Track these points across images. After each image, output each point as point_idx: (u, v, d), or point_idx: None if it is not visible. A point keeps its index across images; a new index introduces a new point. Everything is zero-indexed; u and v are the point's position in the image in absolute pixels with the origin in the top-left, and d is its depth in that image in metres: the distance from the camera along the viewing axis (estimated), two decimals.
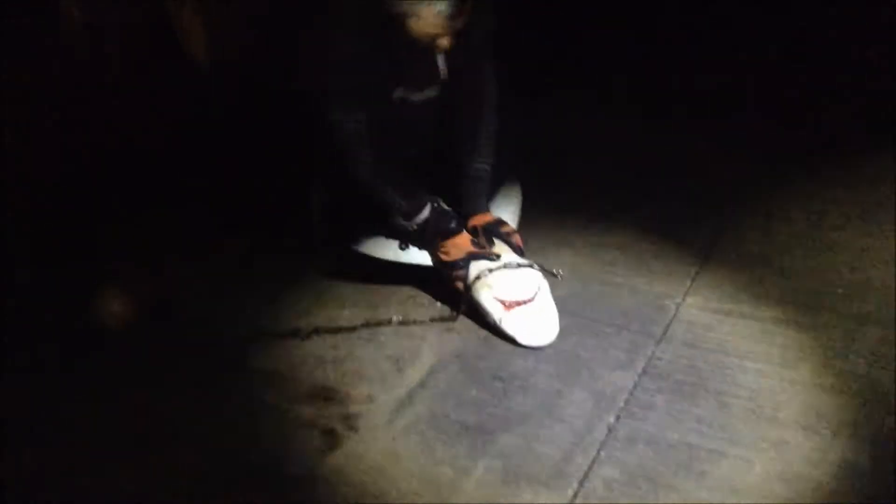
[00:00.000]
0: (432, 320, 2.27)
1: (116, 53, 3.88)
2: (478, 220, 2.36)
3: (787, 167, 3.02)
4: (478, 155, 2.39)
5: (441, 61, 2.23)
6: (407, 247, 2.35)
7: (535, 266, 2.25)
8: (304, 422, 1.91)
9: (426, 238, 2.31)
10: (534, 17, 3.80)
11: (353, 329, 2.23)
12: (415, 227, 2.30)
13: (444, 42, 2.12)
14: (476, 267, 2.23)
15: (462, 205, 2.40)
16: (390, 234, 2.37)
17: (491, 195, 2.50)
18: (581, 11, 4.12)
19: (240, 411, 1.96)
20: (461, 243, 2.28)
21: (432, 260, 2.32)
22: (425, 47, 2.14)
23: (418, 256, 2.35)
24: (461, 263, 2.24)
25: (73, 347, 2.18)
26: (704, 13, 4.15)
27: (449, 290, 2.30)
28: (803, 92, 3.62)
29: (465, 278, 2.24)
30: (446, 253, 2.27)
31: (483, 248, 2.27)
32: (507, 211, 2.50)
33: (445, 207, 2.35)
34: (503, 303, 2.15)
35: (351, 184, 2.26)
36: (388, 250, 2.36)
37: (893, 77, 3.55)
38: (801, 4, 3.99)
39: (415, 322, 2.26)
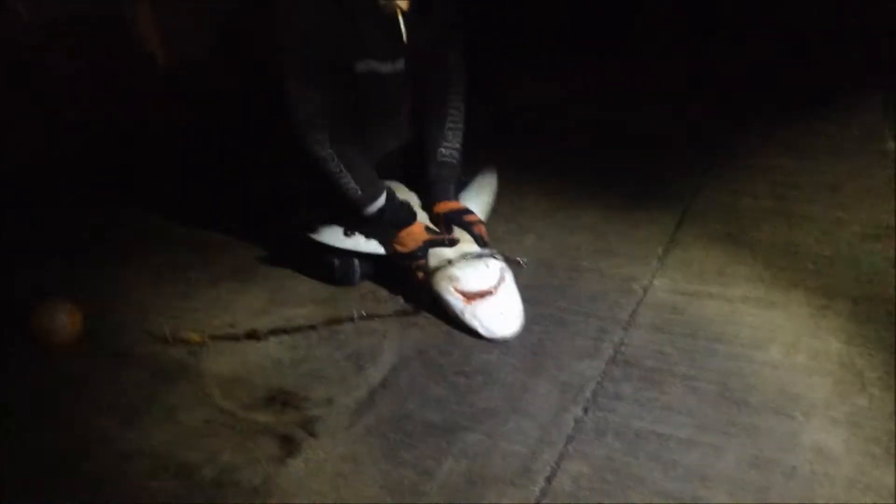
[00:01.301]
0: (395, 314, 2.20)
1: (65, 50, 3.79)
2: (441, 207, 2.30)
3: (754, 142, 2.98)
4: (444, 140, 2.35)
5: (402, 24, 2.17)
6: (352, 234, 2.28)
7: (498, 255, 2.18)
8: (262, 428, 1.84)
9: (380, 228, 2.24)
10: None
11: (311, 328, 2.16)
12: (369, 214, 2.22)
13: (403, 2, 2.09)
14: (435, 258, 2.16)
15: (428, 191, 2.35)
16: (342, 220, 2.30)
17: (465, 184, 2.45)
18: None
19: (194, 419, 1.88)
20: (416, 232, 2.21)
21: (387, 251, 2.25)
22: (385, 11, 2.12)
23: (366, 244, 2.28)
24: (419, 254, 2.18)
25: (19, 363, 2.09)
26: None
27: (410, 283, 2.23)
28: (769, 63, 3.58)
29: (426, 268, 2.17)
30: (402, 244, 2.20)
31: (439, 234, 2.21)
32: (478, 201, 2.44)
33: (400, 198, 2.28)
34: (464, 294, 2.08)
35: (308, 167, 2.20)
36: (339, 238, 2.28)
37: (865, 44, 3.51)
38: None
39: (375, 317, 2.19)
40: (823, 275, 2.23)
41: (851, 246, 2.34)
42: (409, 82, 2.33)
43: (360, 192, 2.21)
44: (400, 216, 2.24)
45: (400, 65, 2.27)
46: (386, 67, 2.26)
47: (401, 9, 2.14)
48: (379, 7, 2.14)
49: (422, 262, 2.19)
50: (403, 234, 2.21)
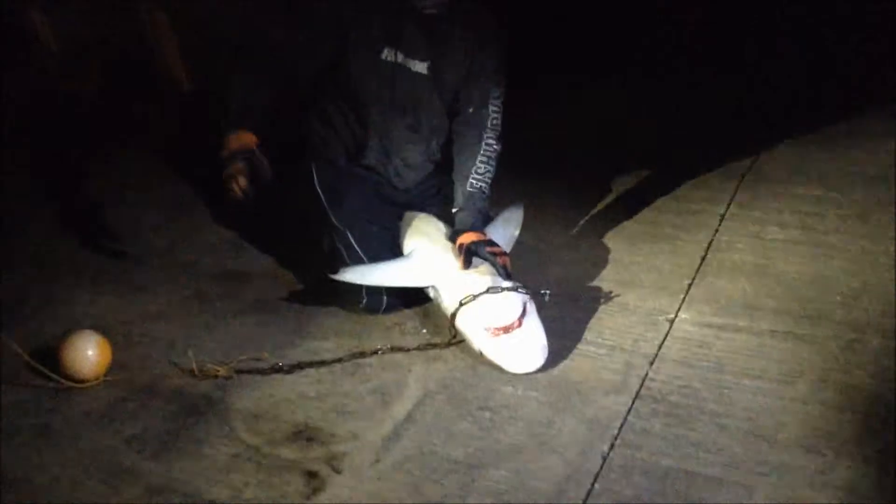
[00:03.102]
0: (420, 347, 2.20)
1: (91, 73, 3.85)
2: (465, 238, 2.29)
3: (781, 169, 2.96)
4: (476, 171, 2.36)
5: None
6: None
7: (521, 288, 2.17)
8: (286, 464, 1.84)
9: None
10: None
11: (337, 361, 2.16)
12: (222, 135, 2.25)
13: None
14: (460, 293, 2.16)
15: (454, 221, 2.36)
16: (371, 257, 2.34)
17: (491, 218, 2.46)
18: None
19: (220, 454, 1.88)
20: (244, 140, 2.23)
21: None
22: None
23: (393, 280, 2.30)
24: (236, 159, 2.21)
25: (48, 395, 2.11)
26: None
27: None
28: (797, 91, 3.56)
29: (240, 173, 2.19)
30: (226, 146, 2.23)
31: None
32: (503, 233, 2.44)
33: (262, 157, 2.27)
34: (488, 328, 2.07)
35: (225, 82, 2.30)
36: (367, 275, 2.30)
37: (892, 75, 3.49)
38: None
39: (401, 351, 2.19)
40: (852, 307, 2.21)
41: (880, 277, 2.31)
42: (439, 89, 2.37)
43: (232, 116, 2.26)
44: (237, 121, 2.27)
45: (423, 66, 2.32)
46: (414, 65, 2.31)
47: None
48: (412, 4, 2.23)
49: (238, 166, 2.20)
50: (233, 136, 2.23)
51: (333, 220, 2.39)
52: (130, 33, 3.84)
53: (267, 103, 2.31)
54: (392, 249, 2.39)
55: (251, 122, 2.27)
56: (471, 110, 2.39)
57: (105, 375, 2.13)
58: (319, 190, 2.44)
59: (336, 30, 2.30)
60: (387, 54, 2.29)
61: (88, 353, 2.11)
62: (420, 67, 2.31)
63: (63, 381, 2.10)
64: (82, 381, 2.10)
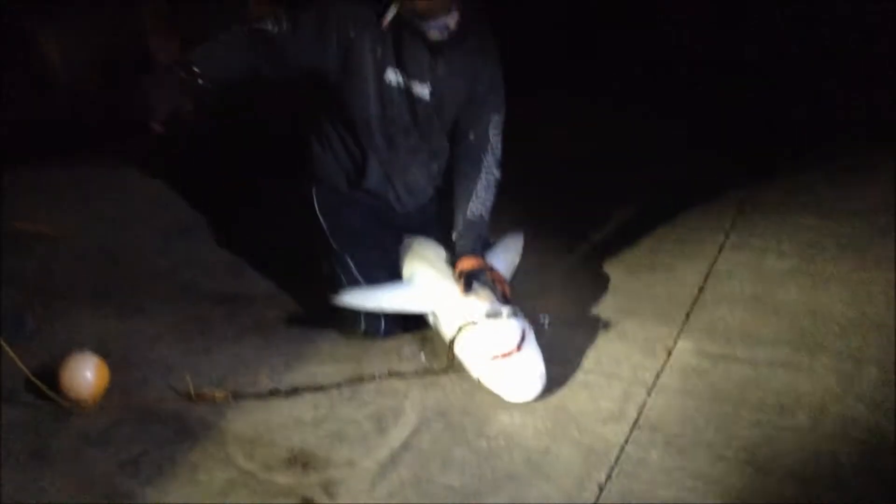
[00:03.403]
0: (417, 373, 2.20)
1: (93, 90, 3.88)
2: (465, 264, 2.30)
3: (780, 200, 2.97)
4: (475, 198, 2.37)
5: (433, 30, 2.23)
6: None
7: (520, 314, 2.17)
8: (282, 490, 1.83)
9: None
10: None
11: (334, 386, 2.16)
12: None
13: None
14: (459, 319, 2.16)
15: (455, 247, 2.37)
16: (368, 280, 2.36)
17: (491, 245, 2.48)
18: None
19: (215, 479, 1.88)
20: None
21: None
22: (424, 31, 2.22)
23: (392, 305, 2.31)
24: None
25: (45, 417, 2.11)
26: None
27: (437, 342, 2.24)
28: (797, 119, 3.58)
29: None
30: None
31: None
32: (503, 260, 2.44)
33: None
34: (487, 356, 2.07)
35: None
36: (367, 299, 2.31)
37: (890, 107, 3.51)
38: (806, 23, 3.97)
39: (398, 376, 2.19)
40: (850, 338, 2.21)
41: (878, 308, 2.31)
42: (440, 113, 2.37)
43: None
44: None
45: (425, 90, 2.32)
46: (416, 88, 2.32)
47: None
48: (421, 29, 2.23)
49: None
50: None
51: (333, 244, 2.40)
52: (133, 43, 3.88)
53: (237, 69, 2.32)
54: (392, 274, 2.39)
55: (211, 70, 2.28)
56: (471, 137, 2.40)
57: (103, 398, 2.13)
58: (319, 214, 2.45)
59: (337, 40, 2.27)
60: (389, 76, 2.30)
61: (86, 375, 2.11)
62: (422, 91, 2.32)
63: (63, 401, 2.09)
64: (80, 403, 2.10)
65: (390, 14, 2.20)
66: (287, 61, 2.28)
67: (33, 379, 2.12)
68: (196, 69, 2.24)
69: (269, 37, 2.25)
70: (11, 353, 2.12)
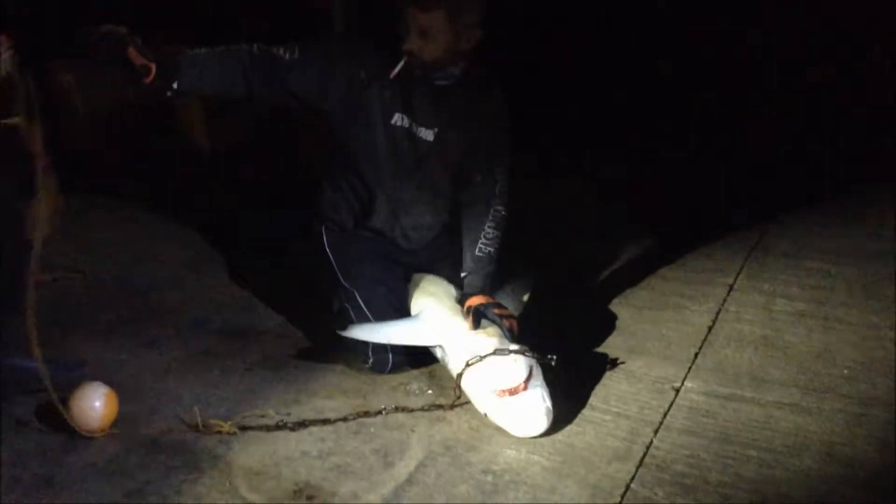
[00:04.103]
0: (424, 408, 2.20)
1: (116, 139, 3.96)
2: (473, 301, 2.31)
3: (789, 242, 2.98)
4: (484, 237, 2.40)
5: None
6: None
7: (528, 352, 2.18)
8: None
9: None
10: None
11: (341, 420, 2.16)
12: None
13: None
14: (467, 354, 2.17)
15: (463, 285, 2.38)
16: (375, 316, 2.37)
17: (500, 283, 2.49)
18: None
19: None
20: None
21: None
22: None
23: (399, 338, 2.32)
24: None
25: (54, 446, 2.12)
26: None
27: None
28: (806, 164, 3.61)
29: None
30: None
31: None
32: (512, 298, 2.46)
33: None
34: (494, 391, 2.08)
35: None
36: (374, 333, 2.33)
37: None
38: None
39: (405, 411, 2.19)
40: (859, 381, 2.20)
41: (887, 351, 2.31)
42: (443, 156, 2.40)
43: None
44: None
45: (430, 134, 2.36)
46: (421, 132, 2.36)
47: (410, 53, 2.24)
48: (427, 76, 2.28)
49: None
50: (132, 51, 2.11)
51: (342, 280, 2.42)
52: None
53: (228, 75, 2.26)
54: (399, 311, 2.41)
55: (194, 74, 2.21)
56: (478, 179, 2.43)
57: (111, 428, 2.14)
58: (329, 252, 2.48)
59: (346, 78, 2.31)
60: (397, 119, 2.35)
61: (95, 405, 2.12)
62: (427, 135, 2.36)
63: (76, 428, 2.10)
64: (88, 432, 2.11)
65: (399, 67, 2.25)
66: (288, 86, 2.29)
67: (59, 405, 2.12)
68: (179, 69, 2.18)
69: (275, 57, 2.27)
70: (48, 383, 2.13)
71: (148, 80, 2.13)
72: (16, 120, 2.07)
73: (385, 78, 2.29)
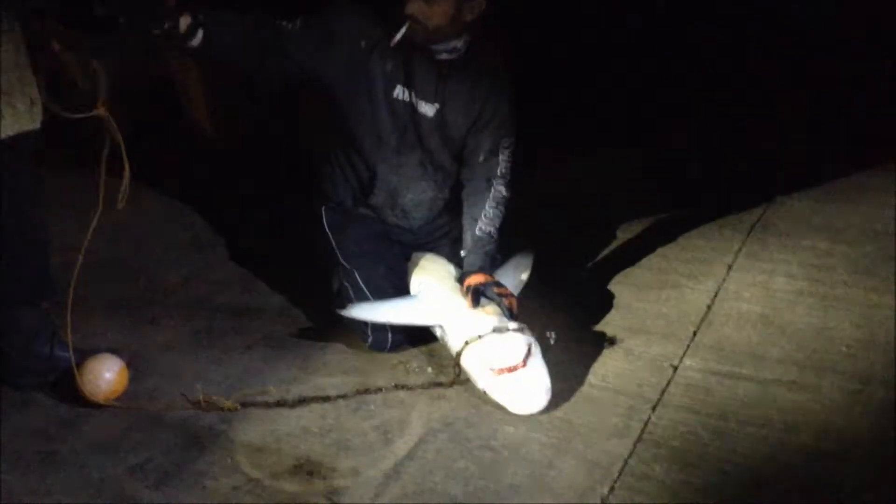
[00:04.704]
0: (424, 386, 2.21)
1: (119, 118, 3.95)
2: (472, 280, 2.32)
3: (789, 222, 2.98)
4: (484, 216, 2.40)
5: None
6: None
7: (526, 330, 2.19)
8: (287, 498, 1.85)
9: None
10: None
11: (341, 397, 2.18)
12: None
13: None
14: (466, 332, 2.18)
15: (463, 264, 2.39)
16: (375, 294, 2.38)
17: (500, 263, 2.50)
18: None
19: (221, 486, 1.89)
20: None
21: None
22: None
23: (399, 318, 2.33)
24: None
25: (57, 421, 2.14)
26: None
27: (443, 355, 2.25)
28: (806, 144, 3.60)
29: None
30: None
31: None
32: (512, 277, 2.47)
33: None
34: (492, 369, 2.09)
35: None
36: (374, 312, 2.33)
37: None
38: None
39: (405, 389, 2.20)
40: (857, 359, 2.21)
41: (886, 330, 2.31)
42: (444, 133, 2.40)
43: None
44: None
45: (432, 109, 2.35)
46: (422, 107, 2.35)
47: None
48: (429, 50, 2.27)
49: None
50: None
51: (341, 259, 2.43)
52: (160, 80, 3.95)
53: (241, 45, 2.21)
54: (398, 289, 2.42)
55: (216, 34, 2.13)
56: (481, 159, 2.42)
57: (115, 401, 2.16)
58: (328, 231, 2.49)
59: (347, 49, 2.29)
60: (398, 92, 2.34)
61: (107, 375, 2.15)
62: (428, 110, 2.35)
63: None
64: (93, 399, 2.13)
65: (400, 33, 2.23)
66: (291, 59, 2.27)
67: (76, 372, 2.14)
68: (201, 25, 2.10)
69: (279, 28, 2.25)
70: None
71: (173, 26, 2.06)
72: (101, 109, 2.10)
73: (386, 48, 2.28)
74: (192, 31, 2.09)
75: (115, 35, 2.04)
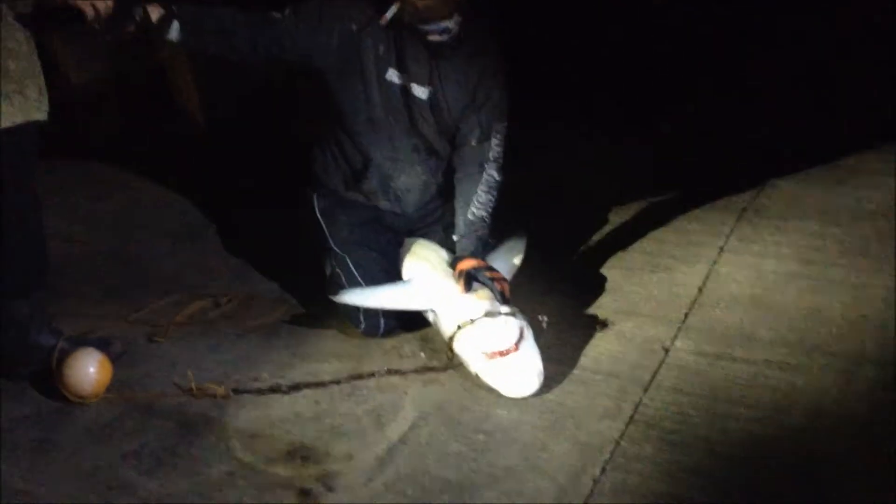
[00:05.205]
0: (417, 370, 2.22)
1: (110, 109, 3.95)
2: (464, 264, 2.32)
3: (781, 204, 2.99)
4: (477, 200, 2.40)
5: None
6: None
7: (519, 314, 2.20)
8: (281, 482, 1.85)
9: None
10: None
11: (334, 383, 2.18)
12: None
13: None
14: (458, 317, 2.19)
15: (456, 249, 2.39)
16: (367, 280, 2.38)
17: (493, 247, 2.49)
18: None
19: (215, 471, 1.90)
20: None
21: None
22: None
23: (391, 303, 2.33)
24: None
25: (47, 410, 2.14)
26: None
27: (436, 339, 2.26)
28: (798, 126, 3.60)
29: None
30: None
31: None
32: (504, 261, 2.46)
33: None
34: (485, 353, 2.09)
35: None
36: (365, 297, 2.34)
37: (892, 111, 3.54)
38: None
39: (398, 373, 2.21)
40: (848, 339, 2.22)
41: (877, 310, 2.32)
42: (438, 116, 2.39)
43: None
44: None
45: (424, 93, 2.34)
46: (415, 89, 2.34)
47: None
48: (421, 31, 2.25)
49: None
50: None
51: (333, 245, 2.43)
52: (150, 70, 3.94)
53: (228, 35, 2.25)
54: (390, 275, 2.42)
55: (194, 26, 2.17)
56: (473, 143, 2.42)
57: (105, 393, 2.16)
58: (320, 217, 2.49)
59: (338, 33, 2.29)
60: (391, 75, 2.33)
61: (90, 371, 2.14)
62: (421, 93, 2.34)
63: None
64: (82, 398, 2.13)
65: (390, 12, 2.23)
66: (284, 46, 2.28)
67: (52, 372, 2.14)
68: (174, 17, 2.13)
69: (268, 17, 2.26)
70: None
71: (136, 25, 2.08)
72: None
73: (377, 30, 2.28)
74: (165, 24, 2.12)
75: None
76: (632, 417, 1.98)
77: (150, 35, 2.14)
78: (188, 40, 2.21)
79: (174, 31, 2.15)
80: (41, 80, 2.05)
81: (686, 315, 2.37)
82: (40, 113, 2.05)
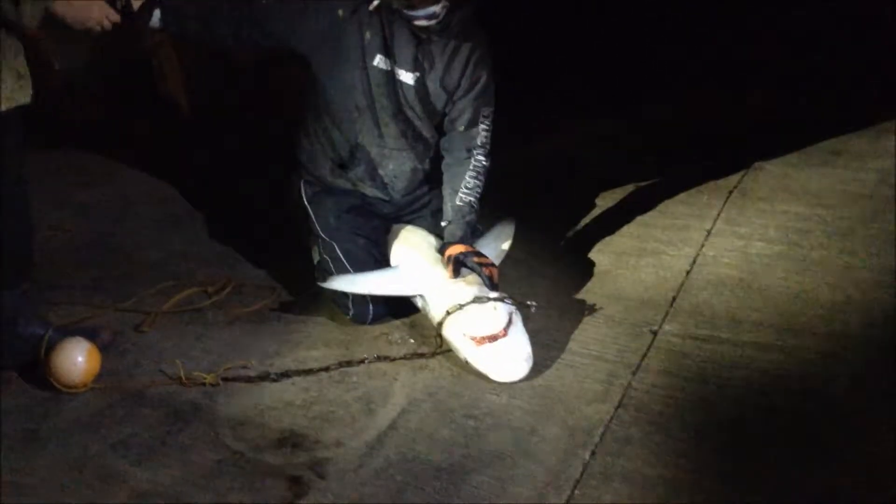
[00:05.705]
0: (406, 357, 2.22)
1: (95, 96, 3.91)
2: (453, 249, 2.32)
3: (767, 187, 3.00)
4: (465, 186, 2.40)
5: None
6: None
7: (507, 299, 2.20)
8: (271, 470, 1.86)
9: None
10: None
11: (323, 370, 2.18)
12: None
13: None
14: (447, 302, 2.19)
15: (444, 234, 2.39)
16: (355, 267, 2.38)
17: (481, 232, 2.50)
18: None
19: (205, 460, 1.90)
20: None
21: None
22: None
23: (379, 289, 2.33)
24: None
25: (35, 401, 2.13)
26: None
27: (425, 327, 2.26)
28: (784, 109, 3.62)
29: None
30: None
31: None
32: (493, 247, 2.47)
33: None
34: (474, 338, 2.10)
35: None
36: (353, 283, 2.34)
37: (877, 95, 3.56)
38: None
39: (387, 360, 2.21)
40: (834, 321, 2.24)
41: (862, 292, 2.34)
42: (425, 102, 2.39)
43: None
44: None
45: (410, 78, 2.34)
46: (402, 75, 2.34)
47: None
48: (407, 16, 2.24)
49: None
50: None
51: (320, 232, 2.43)
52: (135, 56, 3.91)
53: (215, 22, 2.28)
54: (378, 261, 2.42)
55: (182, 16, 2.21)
56: (461, 129, 2.42)
57: (94, 383, 2.15)
58: (307, 203, 2.48)
59: (325, 18, 2.29)
60: (378, 62, 2.32)
61: (78, 361, 2.13)
62: (408, 78, 2.34)
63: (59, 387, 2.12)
64: (71, 388, 2.12)
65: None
66: (268, 31, 2.28)
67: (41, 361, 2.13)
68: (157, 4, 2.16)
69: (254, 4, 2.26)
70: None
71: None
72: None
73: (364, 16, 2.27)
74: (147, 10, 2.13)
75: None
76: (621, 401, 2.00)
77: (132, 22, 2.12)
78: (170, 27, 2.20)
79: (156, 18, 2.16)
80: (21, 64, 2.02)
81: (674, 298, 2.39)
82: (23, 96, 2.02)
